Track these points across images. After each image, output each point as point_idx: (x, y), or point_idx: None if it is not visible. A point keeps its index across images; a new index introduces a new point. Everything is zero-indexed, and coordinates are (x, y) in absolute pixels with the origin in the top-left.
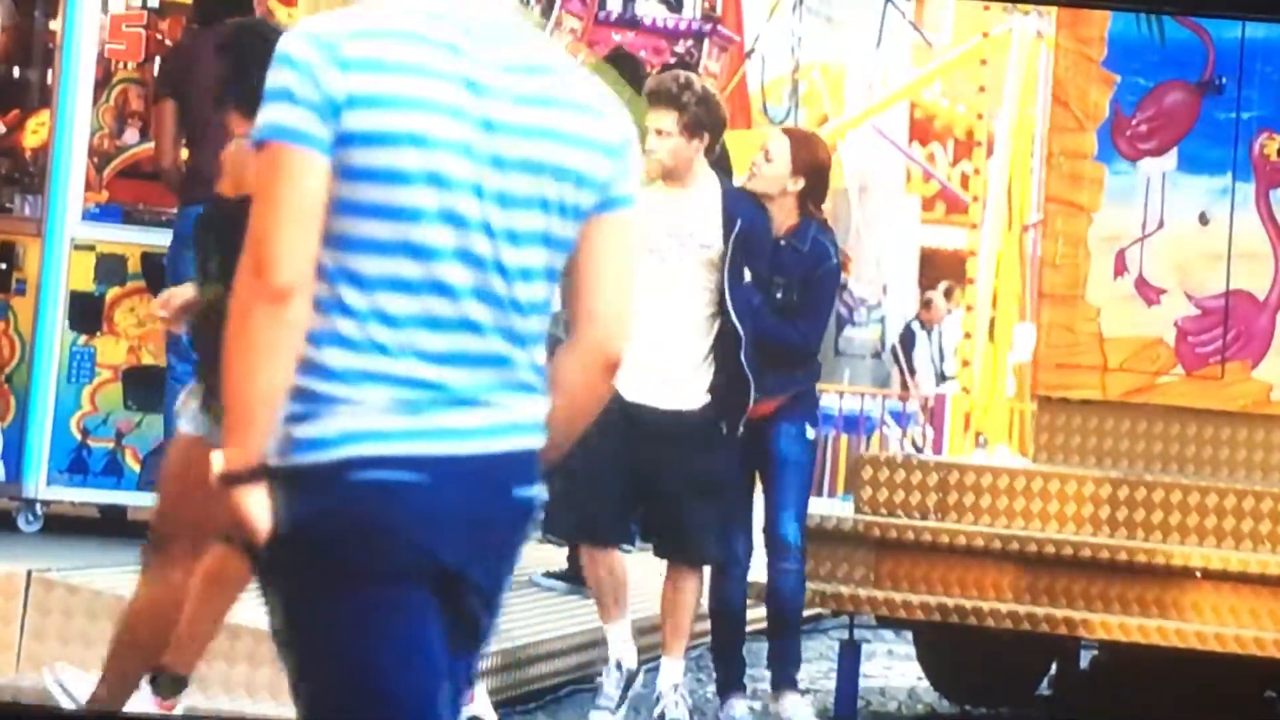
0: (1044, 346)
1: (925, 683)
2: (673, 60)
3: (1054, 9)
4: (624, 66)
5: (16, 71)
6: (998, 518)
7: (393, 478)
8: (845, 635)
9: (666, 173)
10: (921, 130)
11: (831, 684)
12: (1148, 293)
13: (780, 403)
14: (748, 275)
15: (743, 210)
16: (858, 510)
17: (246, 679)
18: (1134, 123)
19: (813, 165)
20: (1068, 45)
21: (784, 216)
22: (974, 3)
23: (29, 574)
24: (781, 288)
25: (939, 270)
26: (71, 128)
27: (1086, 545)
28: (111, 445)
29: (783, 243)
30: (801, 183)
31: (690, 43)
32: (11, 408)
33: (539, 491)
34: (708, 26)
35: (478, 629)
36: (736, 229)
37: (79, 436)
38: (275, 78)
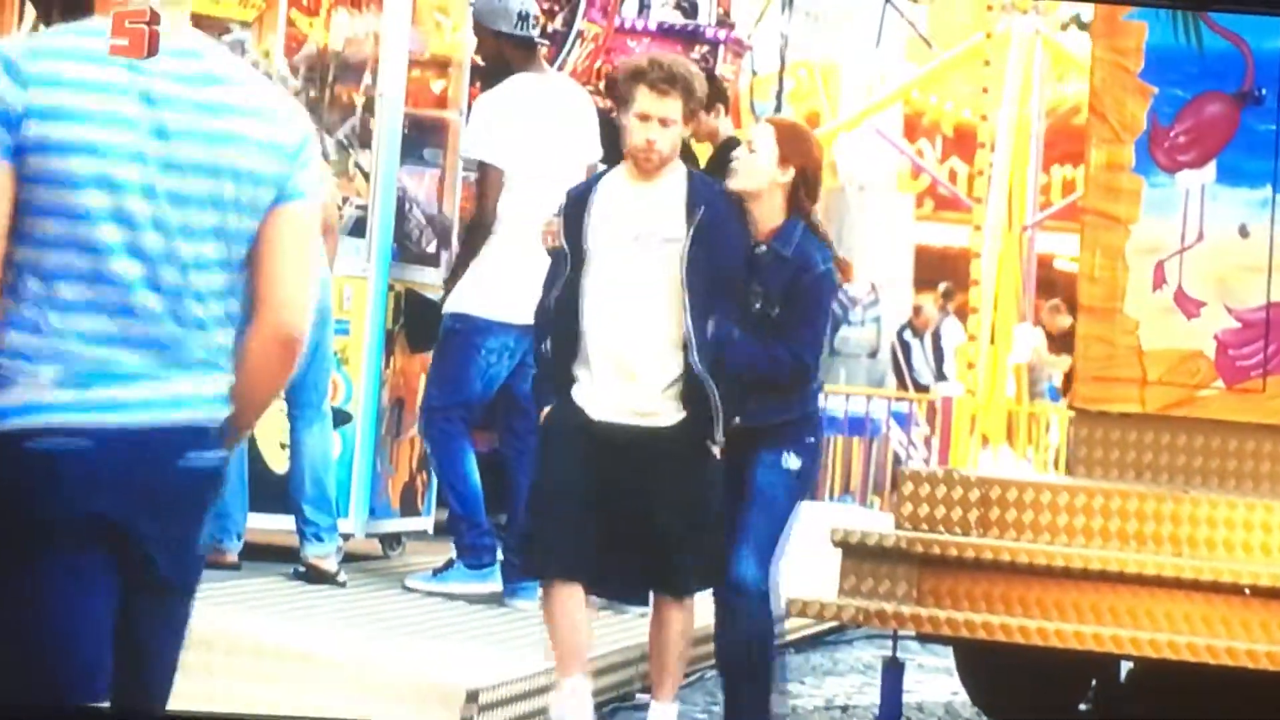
0: (1081, 359)
1: (960, 697)
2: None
3: (1054, 8)
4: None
5: None
6: (1040, 533)
7: (59, 445)
8: (874, 650)
9: (658, 166)
10: (910, 127)
11: (866, 699)
12: (1187, 305)
13: (758, 428)
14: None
15: (706, 196)
16: (898, 525)
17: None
18: (1172, 134)
19: (803, 156)
20: (1104, 56)
21: (769, 216)
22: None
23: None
24: (760, 298)
25: (931, 268)
26: None
27: (1131, 561)
28: None
29: (763, 247)
30: (790, 173)
31: (706, 49)
32: None
33: (214, 458)
34: (723, 33)
35: (163, 582)
36: (698, 217)
37: None
38: None
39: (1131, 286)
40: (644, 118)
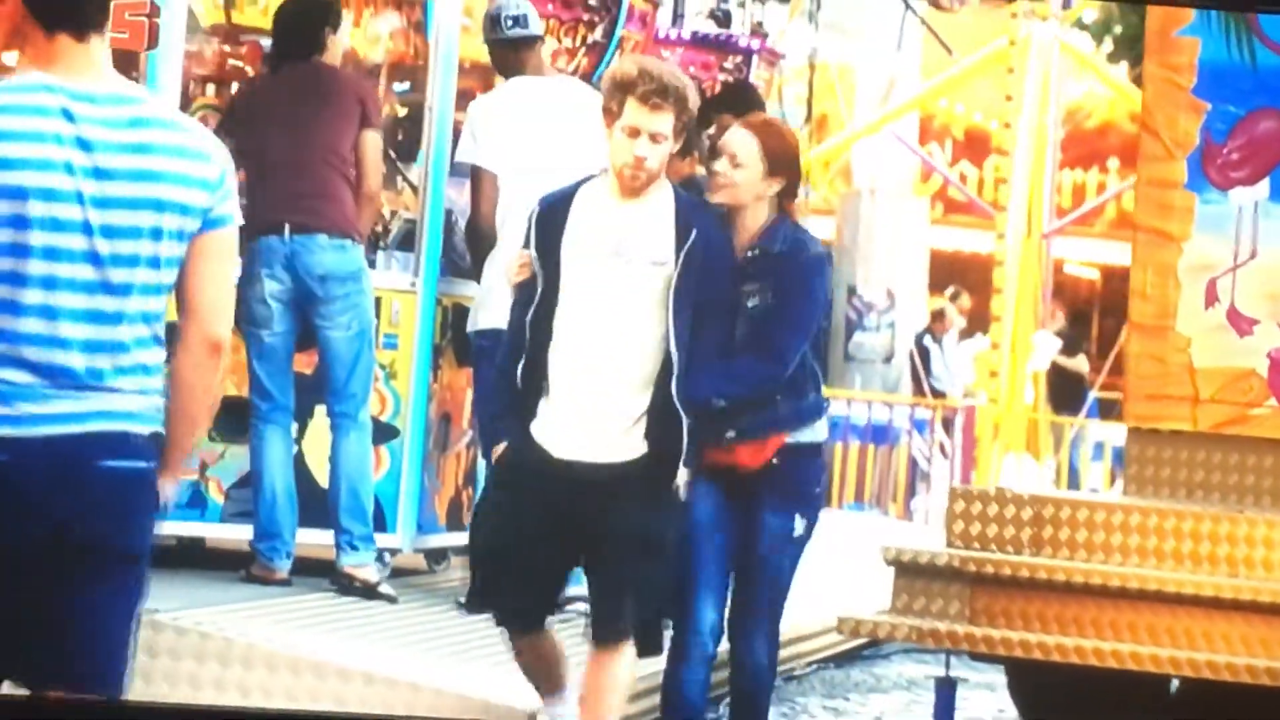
0: (1133, 377)
1: (1008, 714)
2: (721, 75)
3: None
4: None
5: None
6: (1094, 553)
7: None
8: (914, 664)
9: (645, 184)
10: (920, 130)
11: (914, 717)
12: (1240, 323)
13: (767, 454)
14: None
15: (699, 220)
16: (949, 544)
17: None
18: (1225, 151)
19: (787, 160)
20: (1156, 72)
21: (754, 220)
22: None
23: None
24: (753, 294)
25: (942, 272)
26: None
27: (1187, 582)
28: (195, 477)
29: (752, 251)
30: (778, 184)
31: (739, 58)
32: None
33: (138, 465)
34: (756, 43)
35: (86, 574)
36: (689, 242)
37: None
38: None
39: (1184, 304)
40: (633, 132)
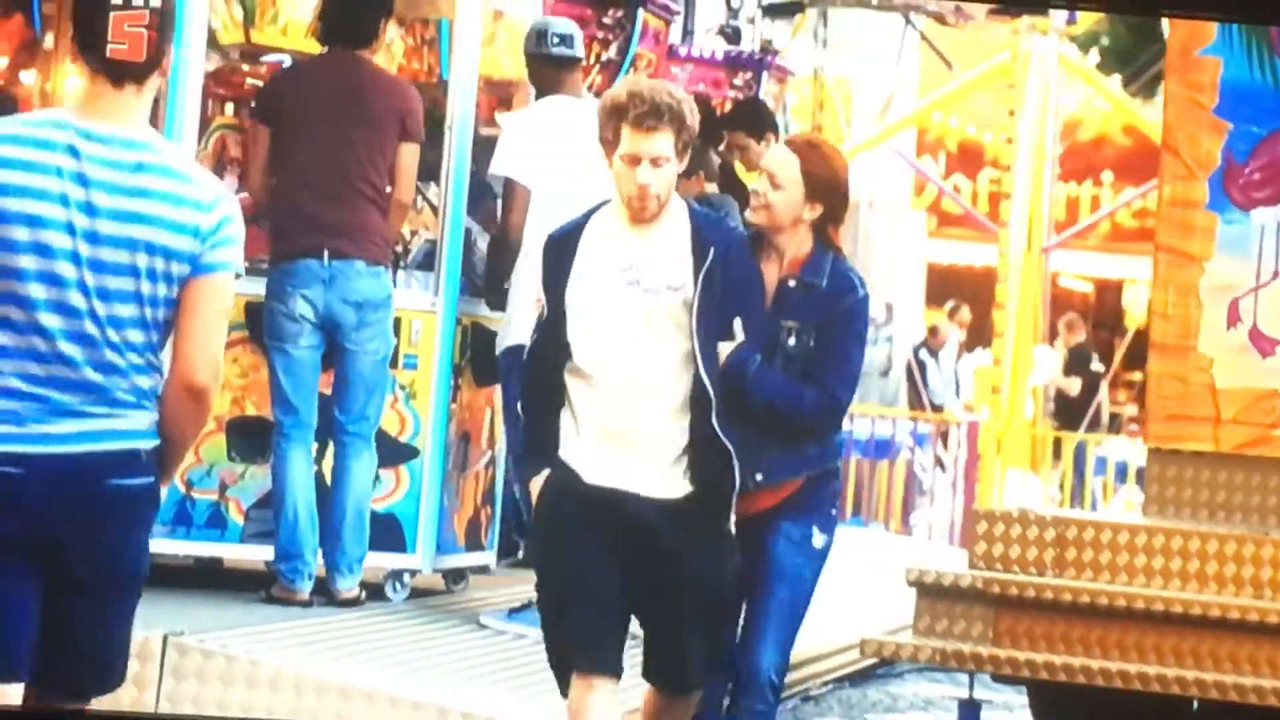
0: (1155, 397)
1: None
2: (731, 92)
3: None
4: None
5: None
6: (1118, 574)
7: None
8: (927, 683)
9: (656, 213)
10: (917, 144)
11: None
12: (1262, 344)
13: (785, 493)
14: (738, 328)
15: (716, 238)
16: (971, 565)
17: None
18: (1247, 171)
19: (831, 183)
20: (1178, 92)
21: (794, 247)
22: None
23: (165, 638)
24: (794, 332)
25: (936, 285)
26: None
27: (1214, 605)
28: (215, 497)
29: (792, 281)
30: (820, 209)
31: (749, 75)
32: None
33: (139, 482)
34: (767, 58)
35: (83, 584)
36: (707, 263)
37: (183, 489)
38: None
39: (1205, 324)
40: (633, 160)
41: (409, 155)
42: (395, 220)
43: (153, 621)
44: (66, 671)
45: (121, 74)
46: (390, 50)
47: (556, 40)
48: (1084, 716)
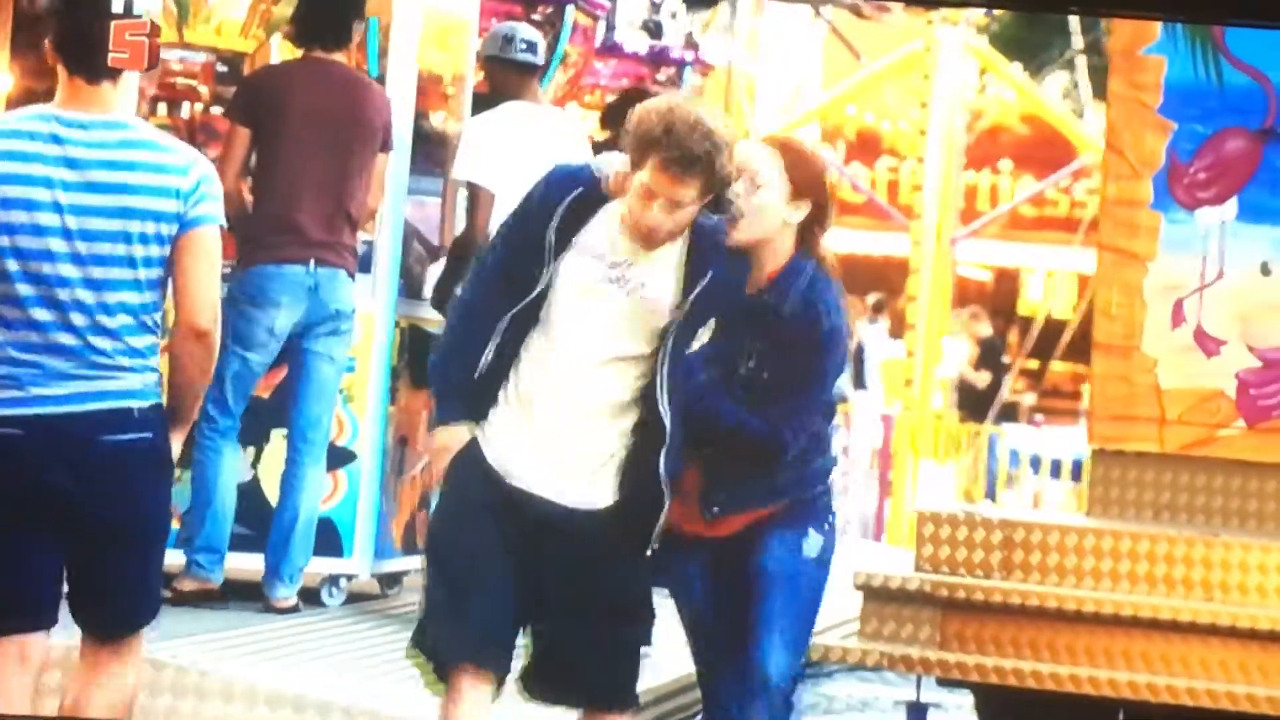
0: (1099, 398)
1: None
2: (655, 88)
3: (986, 21)
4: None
5: None
6: (1066, 577)
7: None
8: (857, 682)
9: (660, 245)
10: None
11: None
12: (1207, 344)
13: (755, 517)
14: (703, 333)
15: (710, 257)
16: (917, 568)
17: None
18: (1192, 170)
19: (814, 184)
20: (1122, 91)
21: (773, 258)
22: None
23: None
24: (751, 357)
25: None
26: None
27: (1164, 607)
28: None
29: (764, 295)
30: (805, 209)
31: (672, 70)
32: None
33: (136, 437)
34: (690, 54)
35: (95, 531)
36: (702, 283)
37: None
38: None
39: (1150, 324)
40: (649, 195)
41: (384, 168)
42: (363, 230)
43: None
44: (96, 615)
45: (97, 73)
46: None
47: (524, 47)
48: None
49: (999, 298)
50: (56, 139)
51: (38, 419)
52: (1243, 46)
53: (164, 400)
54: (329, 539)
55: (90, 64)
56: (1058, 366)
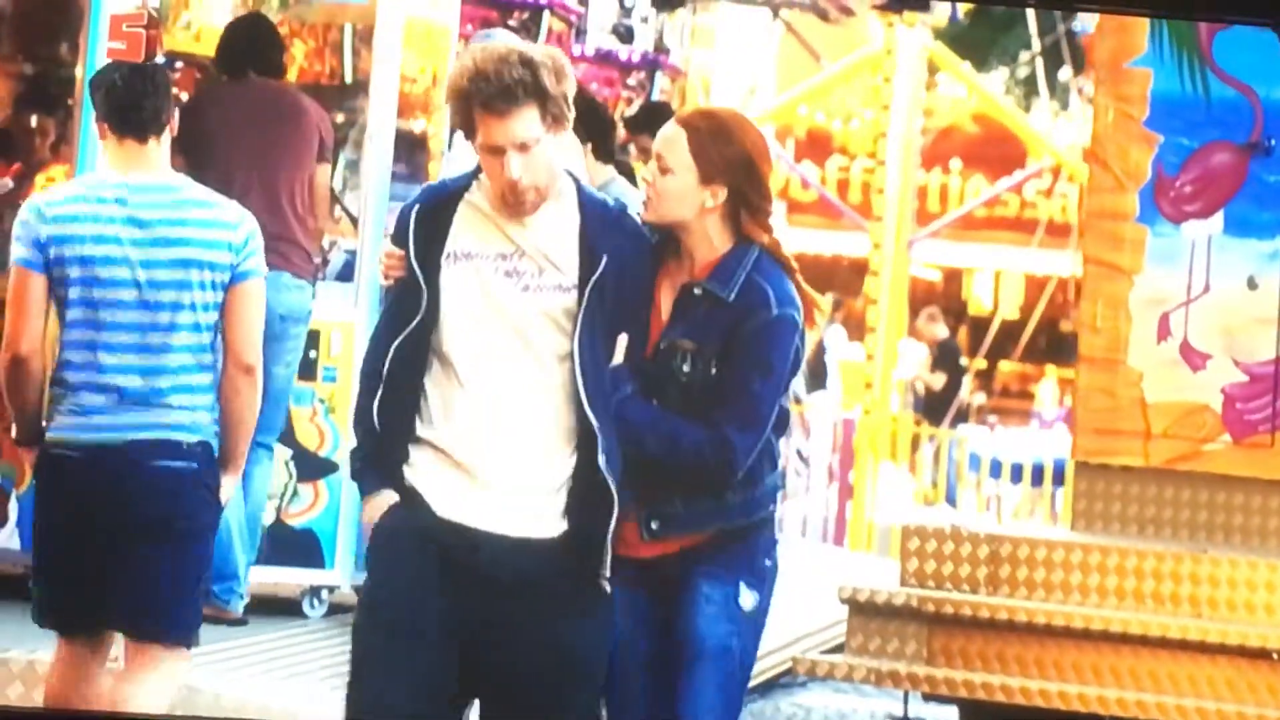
0: (1083, 411)
1: None
2: (625, 92)
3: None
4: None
5: (34, 121)
6: (1053, 592)
7: (65, 455)
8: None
9: (536, 203)
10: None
11: None
12: (1193, 358)
13: (692, 542)
14: (620, 346)
15: (611, 240)
16: (903, 582)
17: None
18: (1178, 184)
19: (734, 161)
20: (1107, 104)
21: (705, 245)
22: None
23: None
24: (690, 356)
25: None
26: None
27: (1153, 623)
28: None
29: (697, 289)
30: (723, 192)
31: (643, 74)
32: (28, 475)
33: (184, 465)
34: (661, 58)
35: (145, 550)
36: (598, 270)
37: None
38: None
39: (1135, 338)
40: (494, 150)
41: (324, 179)
42: (314, 242)
43: None
44: (135, 622)
45: (143, 132)
46: (290, 52)
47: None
48: None
49: (948, 298)
50: (121, 201)
51: (96, 444)
52: (1229, 60)
53: (215, 443)
54: (310, 550)
55: (136, 127)
56: (1006, 367)
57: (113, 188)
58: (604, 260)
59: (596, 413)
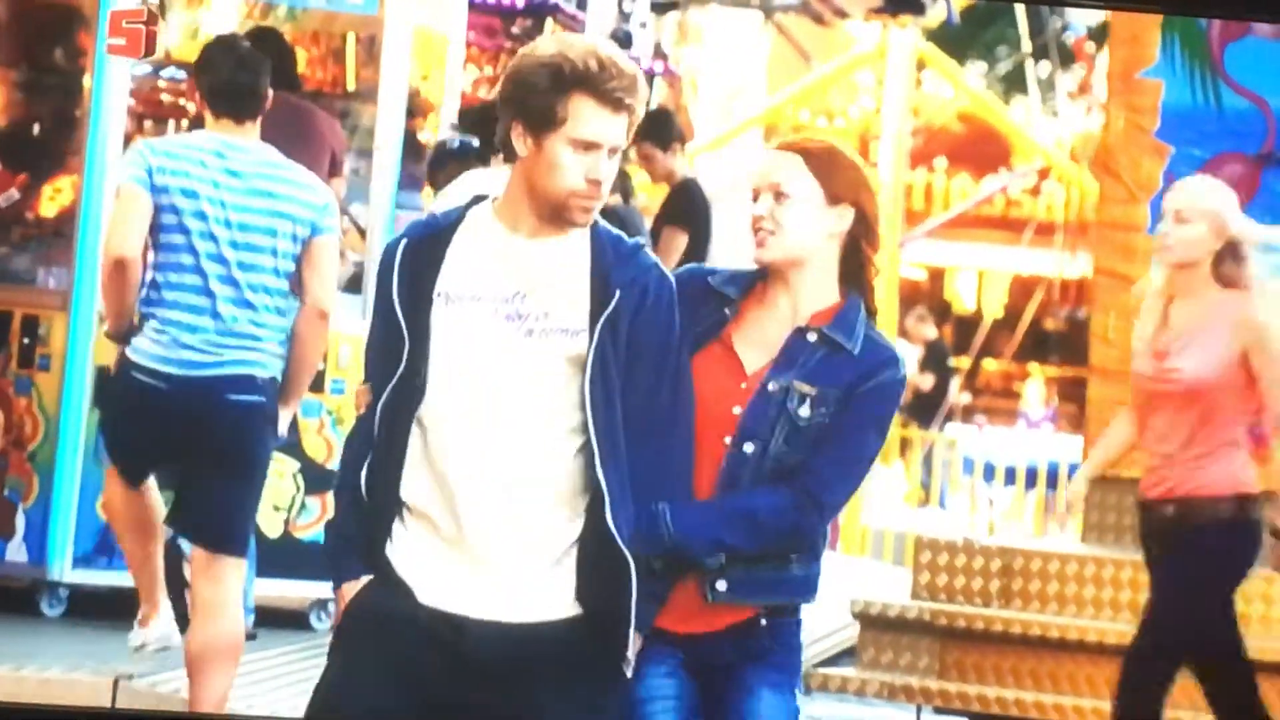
0: (1095, 423)
1: None
2: None
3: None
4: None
5: (37, 131)
6: (1066, 605)
7: (145, 381)
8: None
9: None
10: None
11: None
12: None
13: (739, 618)
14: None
15: (624, 273)
16: (914, 595)
17: None
18: None
19: (856, 188)
20: (1119, 114)
21: (815, 291)
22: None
23: (115, 682)
24: (809, 400)
25: None
26: (100, 195)
27: None
28: None
29: (812, 335)
30: (849, 217)
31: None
32: (35, 488)
33: (255, 399)
34: (660, 65)
35: (215, 470)
36: (610, 306)
37: (104, 516)
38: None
39: None
40: (589, 146)
41: (338, 188)
42: None
43: (98, 656)
44: (201, 529)
45: (241, 114)
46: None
47: (456, 145)
48: None
49: (933, 297)
50: (220, 154)
51: (180, 377)
52: (1242, 70)
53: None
54: (318, 562)
55: (240, 110)
56: (991, 366)
57: (214, 142)
58: (616, 295)
59: (607, 469)
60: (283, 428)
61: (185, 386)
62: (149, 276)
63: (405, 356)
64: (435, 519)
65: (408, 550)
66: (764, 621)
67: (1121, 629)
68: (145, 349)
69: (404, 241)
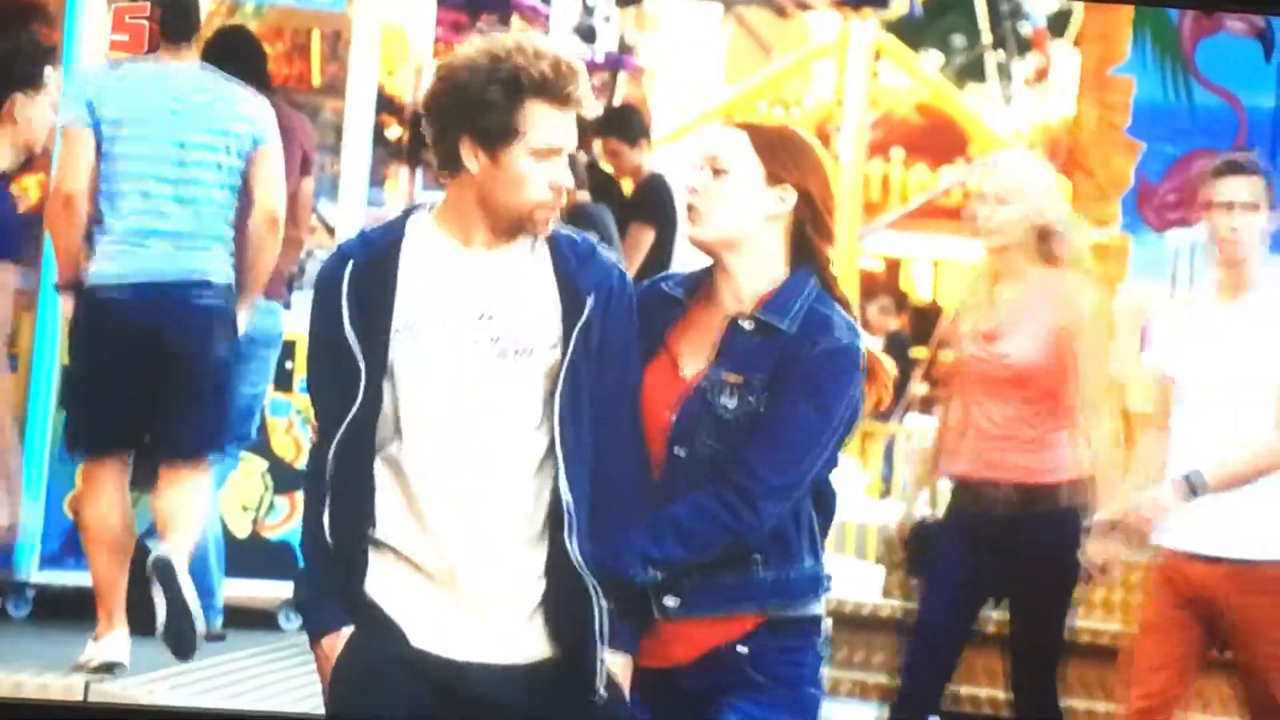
0: None
1: None
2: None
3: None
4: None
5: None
6: None
7: (112, 295)
8: None
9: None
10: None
11: None
12: None
13: (722, 640)
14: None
15: (591, 278)
16: (885, 594)
17: None
18: (1161, 192)
19: (801, 168)
20: (1090, 111)
21: (757, 273)
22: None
23: (86, 685)
24: (736, 390)
25: None
26: None
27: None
28: None
29: (748, 323)
30: (791, 198)
31: (606, 75)
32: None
33: (214, 300)
34: (624, 58)
35: (185, 371)
36: (583, 315)
37: (72, 517)
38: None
39: (1117, 348)
40: (546, 153)
41: (308, 193)
42: (291, 256)
43: (68, 659)
44: (174, 435)
45: (175, 36)
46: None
47: None
48: None
49: (889, 288)
50: (158, 77)
51: (141, 284)
52: (1213, 67)
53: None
54: (287, 563)
55: (174, 32)
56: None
57: (153, 65)
58: (589, 301)
59: (572, 484)
60: (241, 327)
61: (146, 294)
62: (99, 206)
63: (361, 391)
64: (419, 561)
65: (391, 591)
66: (742, 649)
67: (1095, 627)
68: (103, 270)
69: (349, 267)
